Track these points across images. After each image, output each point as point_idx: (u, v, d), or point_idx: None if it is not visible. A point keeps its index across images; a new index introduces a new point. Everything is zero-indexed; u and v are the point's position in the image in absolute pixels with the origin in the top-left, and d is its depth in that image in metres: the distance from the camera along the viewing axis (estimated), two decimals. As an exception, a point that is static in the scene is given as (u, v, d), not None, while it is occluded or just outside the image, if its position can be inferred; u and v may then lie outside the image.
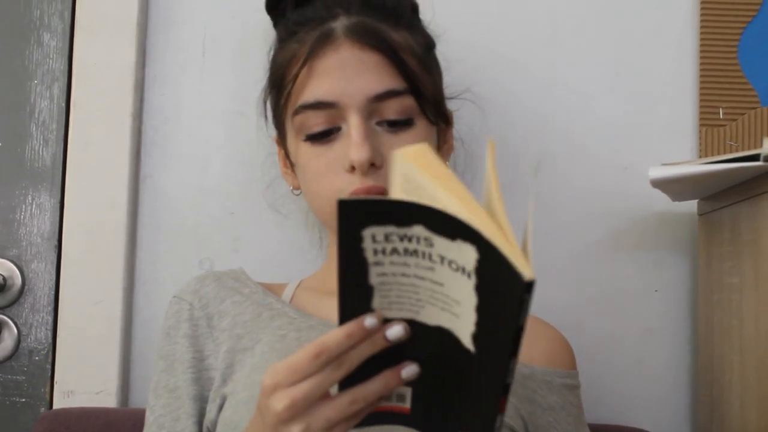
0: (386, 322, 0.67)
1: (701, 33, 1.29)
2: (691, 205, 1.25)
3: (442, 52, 1.09)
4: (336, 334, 0.66)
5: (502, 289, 0.59)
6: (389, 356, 0.68)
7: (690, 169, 1.05)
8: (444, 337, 0.66)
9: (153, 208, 1.28)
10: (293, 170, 1.07)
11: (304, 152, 1.00)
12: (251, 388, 0.93)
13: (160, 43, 1.30)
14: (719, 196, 1.15)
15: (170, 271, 1.27)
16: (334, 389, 0.69)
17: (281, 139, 1.08)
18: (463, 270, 0.61)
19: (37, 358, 1.25)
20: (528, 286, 0.56)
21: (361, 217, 0.62)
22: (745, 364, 1.08)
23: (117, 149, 1.25)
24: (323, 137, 0.98)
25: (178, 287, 1.07)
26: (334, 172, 0.96)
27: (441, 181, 0.61)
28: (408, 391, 0.72)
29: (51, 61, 1.29)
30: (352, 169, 0.94)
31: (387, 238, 0.62)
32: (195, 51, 1.30)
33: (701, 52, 1.29)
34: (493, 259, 0.58)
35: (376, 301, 0.66)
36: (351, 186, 0.95)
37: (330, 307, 0.99)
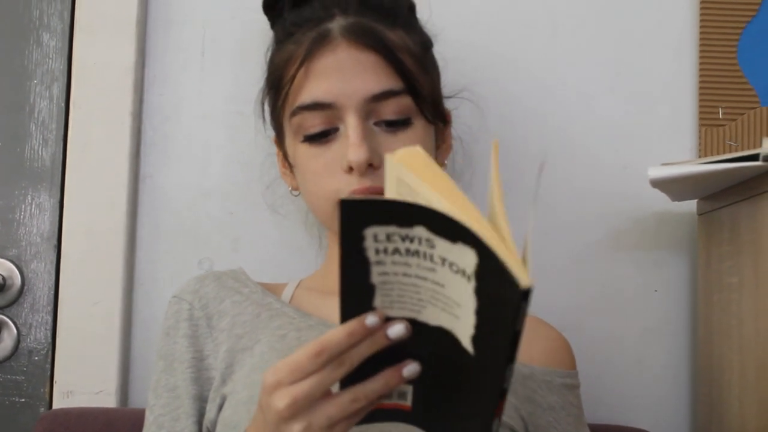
0: (387, 321, 0.67)
1: (701, 33, 1.29)
2: (691, 205, 1.25)
3: (439, 51, 1.09)
4: (337, 332, 0.66)
5: (500, 294, 0.59)
6: (390, 355, 0.69)
7: (689, 168, 1.05)
8: (444, 337, 0.66)
9: (152, 208, 1.28)
10: (292, 171, 1.07)
11: (303, 153, 1.00)
12: (251, 387, 0.93)
13: (159, 43, 1.30)
14: (719, 196, 1.15)
15: (170, 271, 1.27)
16: (335, 387, 0.69)
17: (279, 140, 1.08)
18: (464, 273, 0.61)
19: (36, 358, 1.25)
20: (525, 294, 0.56)
21: (364, 216, 0.62)
22: (744, 364, 1.08)
23: (116, 149, 1.25)
24: (321, 138, 0.98)
25: (178, 287, 1.07)
26: (332, 173, 0.96)
27: (434, 184, 0.61)
28: (409, 389, 0.72)
29: (50, 61, 1.29)
30: (350, 169, 0.94)
31: (389, 238, 0.62)
32: (195, 51, 1.30)
33: (701, 52, 1.29)
34: (492, 264, 0.58)
35: (378, 300, 0.66)
36: (349, 186, 0.95)
37: (329, 307, 0.99)
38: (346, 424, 0.70)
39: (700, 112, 1.28)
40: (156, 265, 1.27)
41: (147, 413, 1.01)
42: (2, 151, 1.28)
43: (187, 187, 1.28)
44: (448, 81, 1.12)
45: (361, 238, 0.62)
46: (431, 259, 0.62)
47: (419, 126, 0.99)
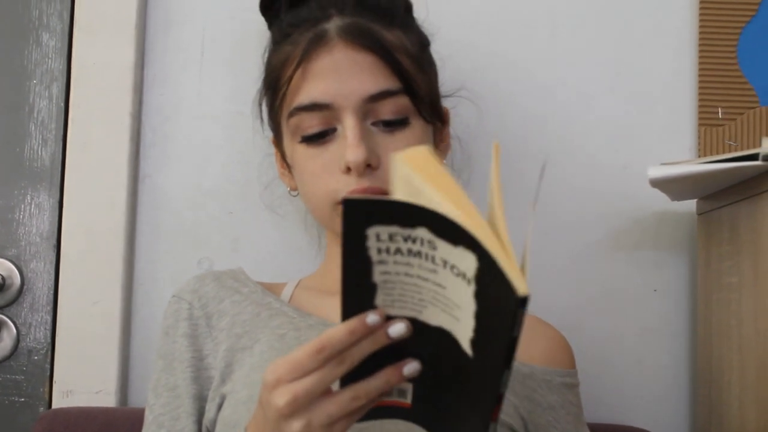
0: (388, 319, 0.67)
1: (700, 32, 1.29)
2: (690, 205, 1.25)
3: (437, 50, 1.09)
4: (338, 330, 0.66)
5: (498, 300, 0.59)
6: (390, 354, 0.69)
7: (689, 168, 1.05)
8: (444, 338, 0.66)
9: (152, 208, 1.28)
10: (290, 171, 1.07)
11: (300, 154, 1.00)
12: (250, 387, 0.93)
13: (159, 44, 1.30)
14: (718, 196, 1.15)
15: (169, 271, 1.27)
16: (335, 385, 0.69)
17: (277, 141, 1.08)
18: (464, 276, 0.61)
19: (36, 357, 1.25)
20: (522, 302, 0.56)
21: (366, 215, 0.62)
22: (744, 364, 1.08)
23: (116, 149, 1.25)
24: (319, 139, 0.98)
25: (177, 287, 1.07)
26: (330, 174, 0.96)
27: (438, 185, 0.61)
28: (409, 387, 0.72)
29: (50, 61, 1.29)
30: (348, 170, 0.94)
31: (391, 237, 0.62)
32: (194, 51, 1.30)
33: (700, 51, 1.29)
34: (491, 269, 0.58)
35: (379, 299, 0.67)
36: (347, 187, 0.95)
37: (329, 306, 0.99)
38: (347, 421, 0.70)
39: (700, 112, 1.28)
40: (155, 265, 1.27)
41: (147, 412, 1.01)
42: (2, 150, 1.28)
43: (187, 187, 1.28)
44: (446, 80, 1.12)
45: (363, 237, 0.63)
46: (433, 260, 0.63)
47: (417, 126, 0.99)
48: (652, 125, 1.30)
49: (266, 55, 1.08)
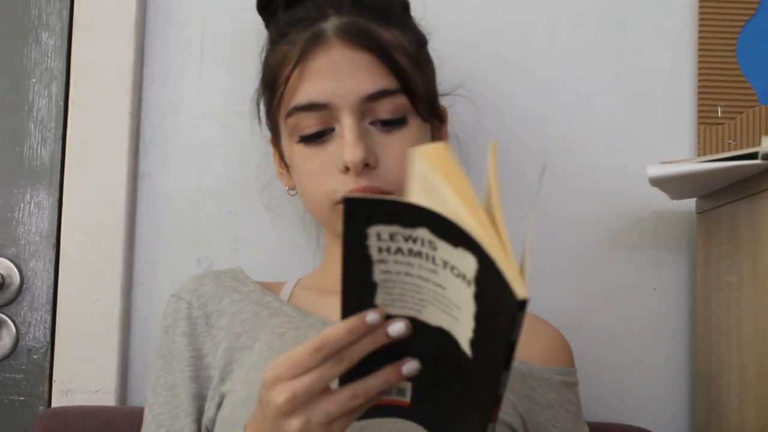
0: (388, 318, 0.67)
1: (700, 32, 1.29)
2: (690, 204, 1.25)
3: (435, 49, 1.09)
4: (338, 328, 0.66)
5: (497, 302, 0.59)
6: (390, 353, 0.69)
7: (688, 167, 1.05)
8: (444, 338, 0.66)
9: (151, 207, 1.28)
10: (288, 171, 1.07)
11: (298, 153, 1.00)
12: (250, 386, 0.93)
13: (158, 43, 1.30)
14: (718, 195, 1.15)
15: (169, 270, 1.27)
16: (334, 384, 0.69)
17: (275, 140, 1.08)
18: (464, 277, 0.61)
19: (35, 356, 1.25)
20: (521, 305, 0.56)
21: (367, 215, 0.62)
22: (743, 363, 1.08)
23: (115, 148, 1.25)
24: (317, 138, 0.98)
25: (177, 286, 1.07)
26: (328, 173, 0.96)
27: (453, 184, 0.61)
28: (408, 386, 0.72)
29: (49, 60, 1.29)
30: (346, 169, 0.94)
31: (392, 237, 0.62)
32: (193, 51, 1.30)
33: (700, 50, 1.29)
34: (491, 272, 0.58)
35: (379, 298, 0.67)
36: (345, 187, 0.95)
37: (328, 305, 0.99)
38: (345, 420, 0.70)
39: (699, 111, 1.28)
40: (155, 264, 1.27)
41: (146, 412, 1.01)
42: (1, 149, 1.28)
43: (186, 187, 1.28)
44: (445, 79, 1.12)
45: (364, 236, 0.63)
46: (433, 261, 0.63)
47: (415, 125, 0.99)
48: (652, 124, 1.30)
49: (263, 54, 1.08)
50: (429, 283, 0.64)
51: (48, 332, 1.26)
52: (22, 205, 1.27)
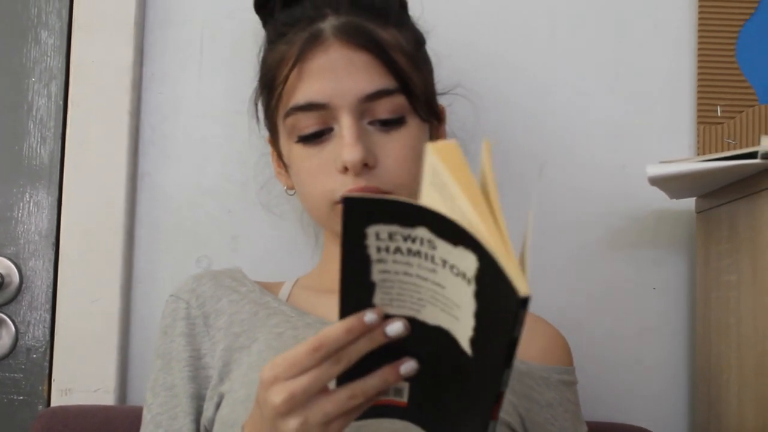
0: (386, 318, 0.67)
1: (699, 31, 1.29)
2: (689, 203, 1.25)
3: (433, 48, 1.09)
4: (336, 328, 0.66)
5: (498, 300, 0.59)
6: (388, 353, 0.68)
7: (688, 166, 1.05)
8: (443, 337, 0.66)
9: (151, 206, 1.28)
10: (287, 171, 1.07)
11: (297, 153, 1.00)
12: (248, 386, 0.93)
13: (158, 42, 1.30)
14: (717, 194, 1.15)
15: (168, 269, 1.27)
16: (332, 384, 0.69)
17: (274, 140, 1.08)
18: (464, 276, 0.61)
19: (34, 355, 1.25)
20: (523, 302, 0.56)
21: (366, 214, 0.62)
22: (742, 362, 1.08)
23: (115, 147, 1.25)
24: (315, 138, 0.98)
25: (175, 286, 1.07)
26: (327, 173, 0.96)
27: (461, 181, 0.61)
28: (405, 386, 0.72)
29: (49, 59, 1.29)
30: (345, 169, 0.94)
31: (391, 236, 0.62)
32: (193, 50, 1.30)
33: (699, 50, 1.29)
34: (492, 270, 0.58)
35: (378, 298, 0.67)
36: (344, 187, 0.94)
37: (327, 305, 0.99)
38: (343, 420, 0.70)
39: (699, 111, 1.28)
40: (154, 263, 1.27)
41: (145, 412, 1.01)
42: (0, 148, 1.28)
43: (186, 186, 1.28)
44: (444, 78, 1.12)
45: (363, 236, 0.63)
46: (432, 260, 0.63)
47: (413, 124, 0.99)
48: (651, 124, 1.30)
49: (261, 54, 1.07)
50: (428, 283, 0.64)
51: (47, 331, 1.26)
52: (21, 204, 1.27)
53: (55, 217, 1.26)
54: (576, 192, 1.29)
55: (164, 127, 1.29)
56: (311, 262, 1.23)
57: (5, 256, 1.26)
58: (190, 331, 1.02)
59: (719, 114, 1.28)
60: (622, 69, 1.31)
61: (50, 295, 1.26)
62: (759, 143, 1.00)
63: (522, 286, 0.56)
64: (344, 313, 0.67)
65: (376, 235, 0.63)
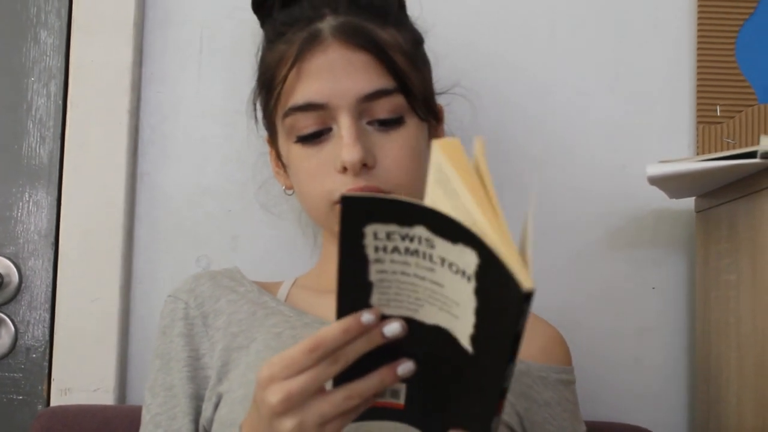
0: (384, 318, 0.67)
1: (698, 31, 1.29)
2: (689, 203, 1.25)
3: (435, 49, 1.09)
4: (333, 328, 0.66)
5: (501, 296, 0.59)
6: (385, 354, 0.68)
7: (687, 166, 1.05)
8: (442, 336, 0.66)
9: (150, 206, 1.28)
10: (285, 171, 1.07)
11: (296, 154, 1.00)
12: (247, 386, 0.92)
13: (157, 42, 1.30)
14: (717, 193, 1.15)
15: (167, 269, 1.27)
16: (329, 385, 0.69)
17: (272, 140, 1.08)
18: (463, 273, 0.61)
19: (34, 355, 1.25)
20: (527, 297, 0.56)
21: (365, 213, 0.62)
22: (742, 362, 1.08)
23: (114, 147, 1.25)
24: (314, 138, 0.98)
25: (174, 286, 1.07)
26: (326, 173, 0.96)
27: (465, 178, 0.61)
28: (402, 388, 0.72)
29: (48, 59, 1.29)
30: (344, 169, 0.94)
31: (389, 236, 0.62)
32: (192, 50, 1.30)
33: (698, 50, 1.29)
34: (494, 266, 0.58)
35: (375, 298, 0.66)
36: (343, 187, 0.94)
37: (325, 305, 0.99)
38: (340, 421, 0.69)
39: (698, 110, 1.28)
40: (154, 263, 1.27)
41: (144, 412, 1.01)
42: (0, 148, 1.28)
43: (185, 185, 1.28)
44: (443, 78, 1.12)
45: (361, 235, 0.63)
46: (430, 259, 0.63)
47: (412, 124, 0.99)
48: (651, 124, 1.30)
49: (260, 53, 1.07)
50: (426, 282, 0.64)
51: (47, 331, 1.26)
52: (20, 203, 1.27)
53: (55, 216, 1.26)
54: (576, 192, 1.29)
55: (164, 126, 1.29)
56: (310, 262, 1.23)
57: (5, 256, 1.27)
58: (188, 332, 1.02)
59: (719, 114, 1.28)
60: (622, 69, 1.30)
61: (50, 294, 1.26)
62: (758, 143, 1.00)
63: (526, 281, 0.56)
64: (341, 313, 0.67)
65: (374, 235, 0.63)
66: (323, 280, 1.07)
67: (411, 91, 0.98)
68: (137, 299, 1.27)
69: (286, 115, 0.98)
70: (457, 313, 0.64)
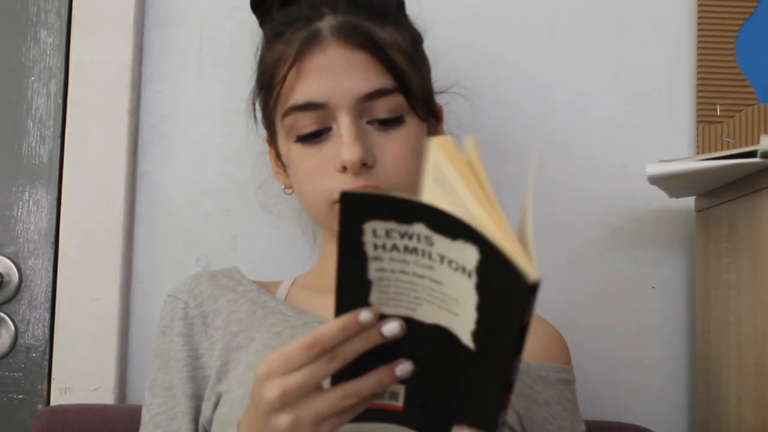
0: (383, 318, 0.67)
1: (698, 30, 1.29)
2: (689, 202, 1.25)
3: (434, 48, 1.09)
4: (330, 326, 0.66)
5: (504, 289, 0.59)
6: (384, 353, 0.68)
7: (687, 165, 1.05)
8: (441, 335, 0.66)
9: (150, 205, 1.28)
10: (285, 170, 1.07)
11: (295, 153, 1.00)
12: (246, 386, 0.92)
13: (157, 41, 1.30)
14: (717, 193, 1.15)
15: (167, 268, 1.27)
16: (327, 384, 0.69)
17: (272, 140, 1.08)
18: (464, 269, 0.61)
19: (34, 354, 1.25)
20: (533, 288, 0.56)
21: (363, 210, 0.62)
22: (742, 361, 1.08)
23: (114, 146, 1.25)
24: (314, 138, 0.98)
25: (173, 286, 1.07)
26: (326, 173, 0.96)
27: (463, 175, 0.61)
28: (401, 389, 0.71)
29: (48, 58, 1.29)
30: (344, 169, 0.94)
31: (388, 234, 0.62)
32: (192, 49, 1.30)
33: (698, 49, 1.29)
34: (496, 260, 0.58)
35: (374, 297, 0.66)
36: (343, 186, 0.94)
37: (324, 304, 0.99)
38: (336, 420, 0.69)
39: (698, 110, 1.28)
40: (154, 262, 1.27)
41: (143, 412, 1.01)
42: (0, 148, 1.28)
43: (185, 185, 1.28)
44: (441, 76, 1.12)
45: (360, 233, 0.63)
46: (429, 256, 0.63)
47: (411, 123, 0.99)
48: (651, 123, 1.30)
49: (259, 53, 1.08)
50: (425, 280, 0.64)
51: (47, 330, 1.26)
52: (20, 203, 1.27)
53: (55, 216, 1.26)
54: (576, 192, 1.29)
55: (164, 126, 1.29)
56: (309, 262, 1.23)
57: (5, 255, 1.27)
58: (188, 331, 1.02)
59: (719, 113, 1.28)
60: (622, 69, 1.30)
61: (50, 294, 1.26)
62: (758, 142, 1.00)
63: (531, 272, 0.56)
64: (339, 311, 0.67)
65: (373, 232, 0.62)
66: (323, 279, 1.07)
67: (410, 90, 0.98)
68: (137, 299, 1.27)
69: (286, 114, 0.98)
70: (456, 311, 0.64)
